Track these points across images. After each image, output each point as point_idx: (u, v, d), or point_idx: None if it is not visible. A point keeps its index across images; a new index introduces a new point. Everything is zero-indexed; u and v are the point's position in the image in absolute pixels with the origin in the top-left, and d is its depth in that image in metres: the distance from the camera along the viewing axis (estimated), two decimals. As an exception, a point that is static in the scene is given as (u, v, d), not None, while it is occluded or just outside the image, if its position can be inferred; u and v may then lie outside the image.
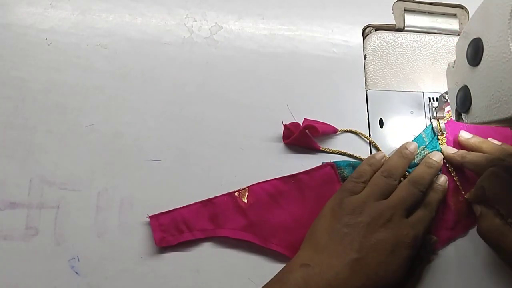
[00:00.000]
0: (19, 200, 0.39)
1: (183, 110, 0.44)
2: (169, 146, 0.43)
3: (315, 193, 0.43)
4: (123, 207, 0.41)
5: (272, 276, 0.38)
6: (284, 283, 0.36)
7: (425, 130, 0.47)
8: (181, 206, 0.41)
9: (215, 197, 0.42)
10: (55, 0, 0.45)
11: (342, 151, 0.45)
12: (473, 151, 0.45)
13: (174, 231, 0.40)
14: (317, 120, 0.45)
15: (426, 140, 0.46)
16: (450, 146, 0.46)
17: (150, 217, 0.40)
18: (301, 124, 0.44)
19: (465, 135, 0.46)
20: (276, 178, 0.43)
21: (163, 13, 0.47)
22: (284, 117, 0.45)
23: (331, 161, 0.44)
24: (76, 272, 0.39)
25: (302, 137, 0.44)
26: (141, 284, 0.39)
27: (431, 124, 0.47)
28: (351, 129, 0.46)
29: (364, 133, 0.46)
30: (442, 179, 0.43)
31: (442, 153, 0.45)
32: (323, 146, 0.45)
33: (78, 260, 0.39)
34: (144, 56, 0.45)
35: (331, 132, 0.45)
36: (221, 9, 0.48)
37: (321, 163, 0.44)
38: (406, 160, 0.43)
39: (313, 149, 0.45)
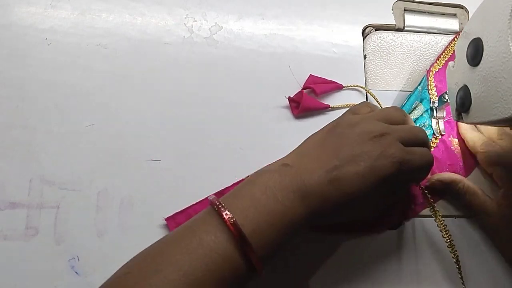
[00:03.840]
0: (19, 200, 0.39)
1: (183, 110, 0.44)
2: (169, 146, 0.43)
3: None
4: (123, 207, 0.41)
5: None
6: (260, 176, 0.35)
7: (421, 83, 0.47)
8: (191, 204, 0.41)
9: (226, 188, 0.42)
10: (55, 0, 0.45)
11: (351, 103, 0.46)
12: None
13: None
14: (323, 77, 0.46)
15: (420, 93, 0.47)
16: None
17: (166, 219, 0.40)
18: (304, 92, 0.44)
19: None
20: None
21: (163, 13, 0.47)
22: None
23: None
24: (76, 272, 0.39)
25: (308, 102, 0.44)
26: (141, 284, 0.39)
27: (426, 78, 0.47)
28: (357, 85, 0.47)
29: (371, 92, 0.47)
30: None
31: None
32: (332, 104, 0.46)
33: (78, 260, 0.39)
34: (144, 56, 0.45)
35: (335, 89, 0.46)
36: (221, 9, 0.48)
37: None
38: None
39: (323, 109, 0.45)
